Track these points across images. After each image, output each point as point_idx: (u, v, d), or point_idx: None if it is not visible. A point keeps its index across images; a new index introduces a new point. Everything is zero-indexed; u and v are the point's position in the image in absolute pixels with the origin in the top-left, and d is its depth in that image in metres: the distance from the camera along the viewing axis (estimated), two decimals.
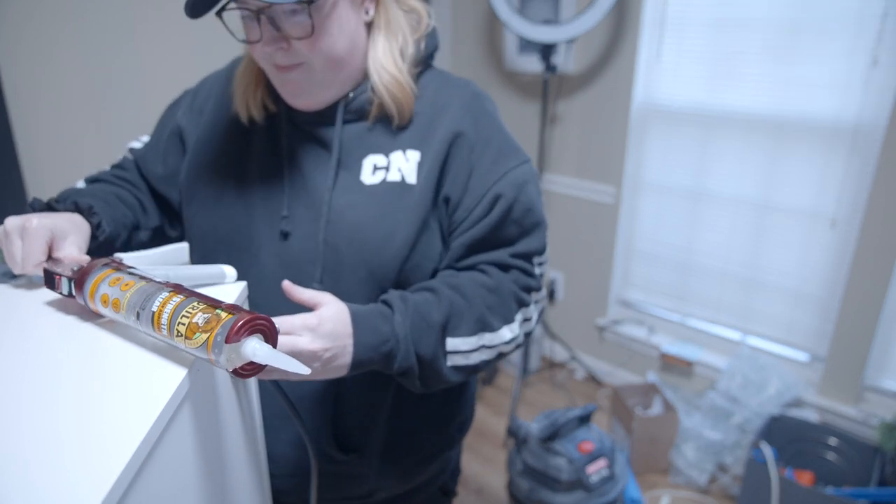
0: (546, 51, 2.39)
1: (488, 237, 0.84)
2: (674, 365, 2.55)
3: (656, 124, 2.47)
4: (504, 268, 0.85)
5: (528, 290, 0.87)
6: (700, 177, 2.40)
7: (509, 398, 2.67)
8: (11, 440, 0.44)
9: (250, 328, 0.52)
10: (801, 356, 2.31)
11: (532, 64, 2.60)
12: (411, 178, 0.83)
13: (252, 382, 0.76)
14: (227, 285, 0.70)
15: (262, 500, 0.80)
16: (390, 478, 0.94)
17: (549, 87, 2.50)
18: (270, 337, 0.54)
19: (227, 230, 0.87)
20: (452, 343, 0.80)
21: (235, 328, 0.50)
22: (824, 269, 2.18)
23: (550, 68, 2.42)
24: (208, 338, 0.50)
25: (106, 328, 0.60)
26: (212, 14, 0.78)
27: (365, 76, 0.86)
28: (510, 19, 2.36)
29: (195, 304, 0.53)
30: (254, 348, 0.51)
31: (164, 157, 0.96)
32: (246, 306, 0.73)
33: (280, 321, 0.69)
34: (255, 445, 0.77)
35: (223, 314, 0.52)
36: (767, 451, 1.90)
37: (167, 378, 0.51)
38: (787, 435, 2.07)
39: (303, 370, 0.54)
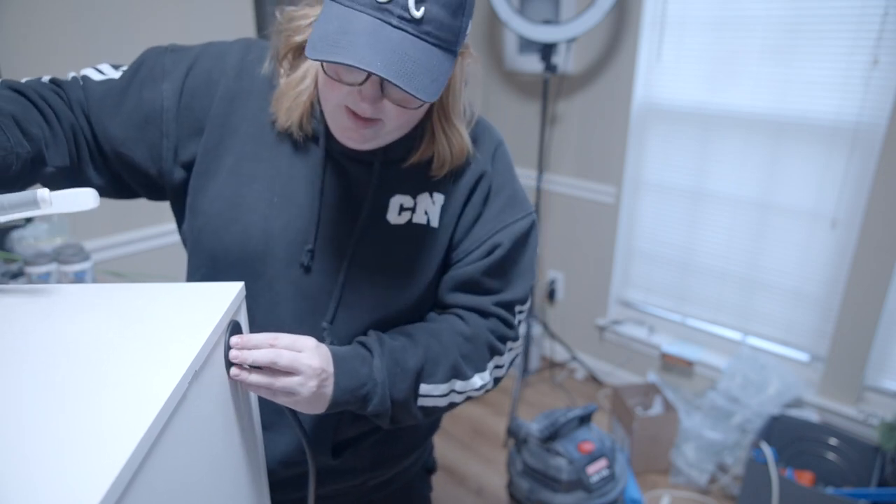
0: (546, 51, 2.39)
1: (477, 279, 0.86)
2: (674, 365, 2.55)
3: (656, 124, 2.47)
4: (484, 315, 0.87)
5: (504, 339, 0.88)
6: (700, 177, 2.40)
7: (509, 398, 2.67)
8: (10, 440, 0.44)
9: None
10: (801, 356, 2.31)
11: (532, 64, 2.60)
12: (435, 222, 0.85)
13: None
14: (225, 286, 0.70)
15: (259, 500, 0.80)
16: (382, 467, 0.97)
17: (549, 87, 2.50)
18: None
19: (240, 253, 0.83)
20: (425, 388, 0.82)
21: None
22: (824, 269, 2.18)
23: (550, 68, 2.42)
24: None
25: (105, 327, 0.60)
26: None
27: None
28: (510, 19, 2.36)
29: None
30: None
31: (127, 126, 0.83)
32: (244, 310, 0.73)
33: (282, 334, 0.70)
34: (254, 446, 0.77)
35: None
36: (767, 451, 1.90)
37: (165, 378, 0.52)
38: (788, 435, 2.07)
39: None
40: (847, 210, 2.09)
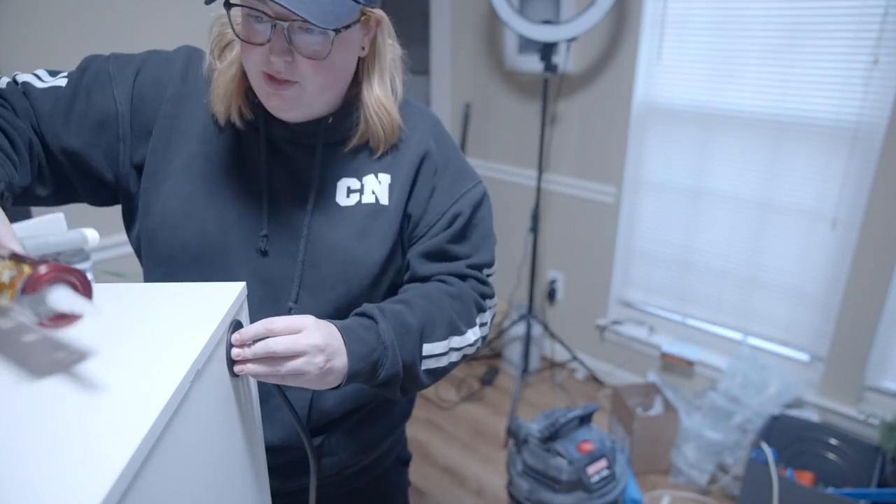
0: (546, 50, 2.39)
1: (445, 249, 0.90)
2: (674, 365, 2.55)
3: (656, 124, 2.47)
4: (462, 277, 0.92)
5: (484, 296, 0.93)
6: (700, 176, 2.40)
7: (509, 398, 2.67)
8: (10, 440, 0.44)
9: (52, 280, 0.52)
10: (802, 356, 2.31)
11: (532, 64, 2.60)
12: (384, 200, 0.88)
13: (252, 383, 0.76)
14: (226, 286, 0.70)
15: (260, 499, 0.80)
16: (358, 453, 0.97)
17: (549, 87, 2.50)
18: (82, 290, 0.54)
19: (199, 247, 0.84)
20: (428, 348, 0.84)
21: (35, 278, 0.51)
22: (824, 268, 2.18)
23: (550, 68, 2.42)
24: (13, 292, 0.51)
25: (106, 327, 0.60)
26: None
27: (345, 103, 0.87)
28: (510, 19, 2.36)
29: (3, 262, 0.54)
30: (57, 297, 0.51)
31: (81, 132, 0.83)
32: (245, 307, 0.73)
33: (277, 319, 0.69)
34: (255, 445, 0.77)
35: (26, 268, 0.52)
36: (768, 451, 1.90)
37: (167, 378, 0.52)
38: (788, 435, 2.07)
39: (96, 311, 0.53)
40: (847, 210, 2.09)
